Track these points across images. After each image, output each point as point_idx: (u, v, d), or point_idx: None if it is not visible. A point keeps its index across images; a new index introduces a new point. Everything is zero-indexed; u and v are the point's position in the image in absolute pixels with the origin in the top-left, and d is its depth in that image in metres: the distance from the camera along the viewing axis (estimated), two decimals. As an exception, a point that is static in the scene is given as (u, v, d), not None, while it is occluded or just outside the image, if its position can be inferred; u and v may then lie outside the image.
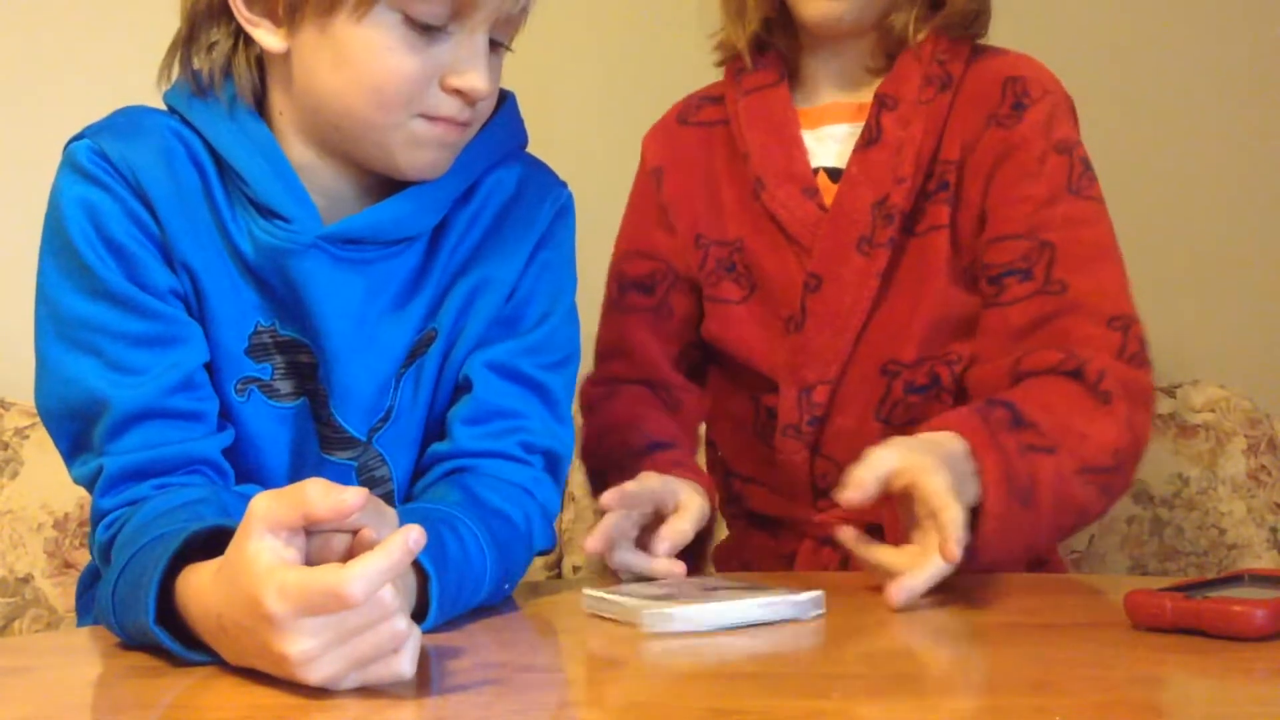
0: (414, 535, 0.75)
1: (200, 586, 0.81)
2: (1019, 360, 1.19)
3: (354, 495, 0.76)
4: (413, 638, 0.76)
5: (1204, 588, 0.90)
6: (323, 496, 0.75)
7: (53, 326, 1.00)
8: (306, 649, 0.74)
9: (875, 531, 1.17)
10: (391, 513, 0.84)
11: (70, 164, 1.01)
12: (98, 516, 0.98)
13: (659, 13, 1.90)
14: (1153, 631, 0.87)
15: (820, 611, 0.95)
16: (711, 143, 1.37)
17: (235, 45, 1.04)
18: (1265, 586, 0.90)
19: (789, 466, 1.30)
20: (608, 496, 1.10)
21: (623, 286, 1.39)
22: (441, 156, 1.04)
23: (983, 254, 1.25)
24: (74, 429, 1.00)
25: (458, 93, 1.00)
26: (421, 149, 1.02)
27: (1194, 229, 1.97)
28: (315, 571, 0.74)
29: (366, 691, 0.76)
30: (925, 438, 1.06)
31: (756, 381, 1.33)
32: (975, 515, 1.03)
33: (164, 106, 1.06)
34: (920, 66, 1.28)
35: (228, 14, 1.02)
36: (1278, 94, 1.99)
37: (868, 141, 1.28)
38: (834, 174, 1.30)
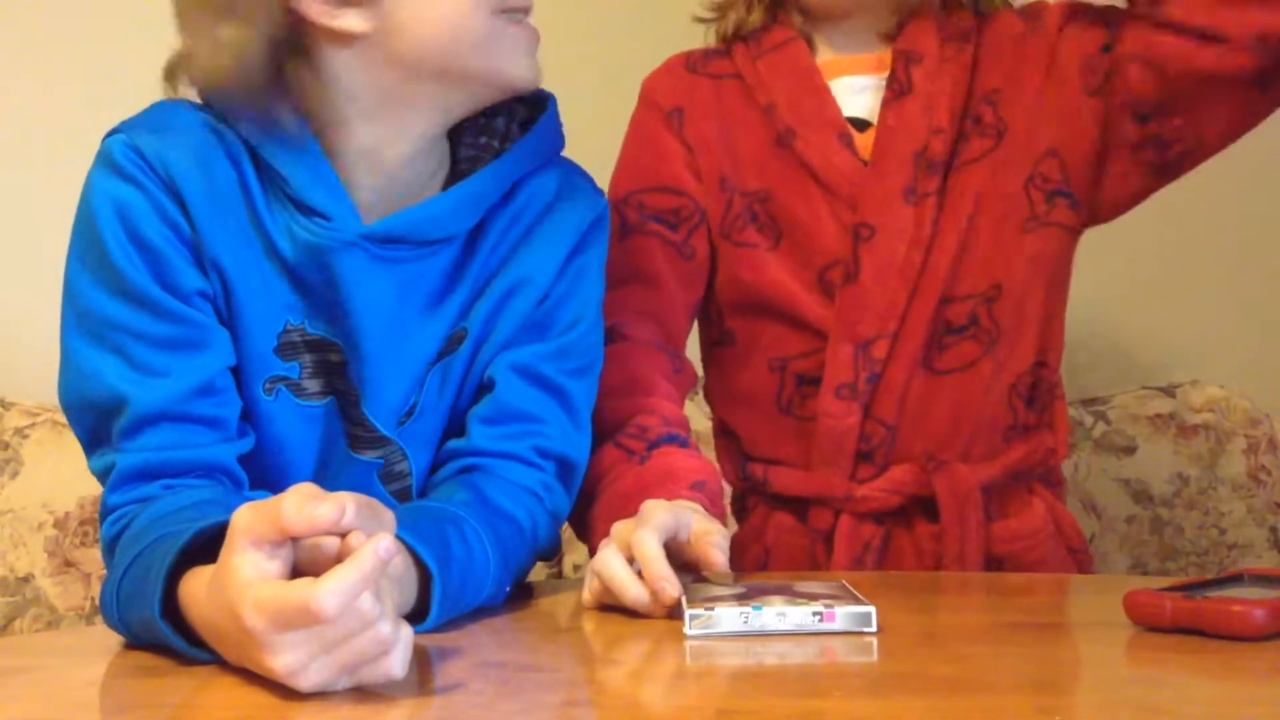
0: (384, 544, 0.74)
1: (198, 592, 0.82)
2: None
3: (329, 509, 0.75)
4: (402, 639, 0.76)
5: (1204, 587, 0.90)
6: (297, 511, 0.75)
7: (76, 320, 1.00)
8: (289, 662, 0.74)
9: (924, 504, 1.25)
10: (389, 514, 0.84)
11: (105, 159, 1.00)
12: (106, 512, 0.98)
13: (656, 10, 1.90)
14: (1153, 631, 0.87)
15: (873, 629, 0.89)
16: (723, 93, 1.34)
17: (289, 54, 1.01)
18: (1265, 586, 0.90)
19: (834, 433, 1.26)
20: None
21: (644, 215, 1.32)
22: (536, 67, 1.07)
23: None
24: (92, 423, 1.00)
25: None
26: (521, 58, 1.05)
27: (1194, 229, 1.97)
28: (289, 587, 0.74)
29: (367, 692, 0.76)
30: None
31: (785, 344, 1.30)
32: None
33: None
34: (935, 26, 1.30)
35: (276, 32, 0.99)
36: (1278, 94, 1.99)
37: (899, 93, 1.28)
38: (859, 124, 1.30)
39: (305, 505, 0.75)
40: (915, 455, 1.27)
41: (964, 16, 1.32)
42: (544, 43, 1.08)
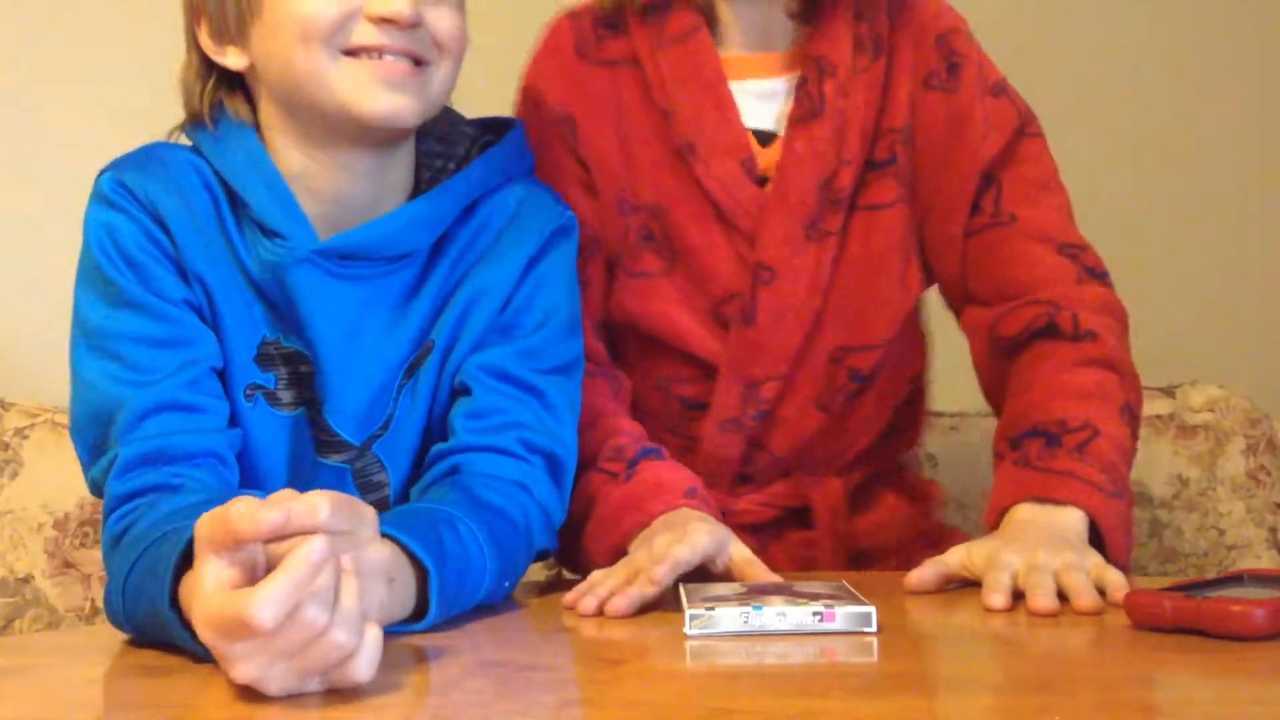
0: (315, 548, 0.73)
1: (187, 597, 0.82)
2: (995, 325, 1.22)
3: (275, 514, 0.74)
4: (366, 644, 0.75)
5: (1204, 588, 0.90)
6: (240, 517, 0.74)
7: (84, 341, 1.06)
8: (248, 672, 0.74)
9: (796, 512, 1.26)
10: (370, 512, 0.84)
11: (96, 194, 1.09)
12: (111, 503, 1.00)
13: None
14: (1153, 631, 0.87)
15: (873, 629, 0.89)
16: (619, 85, 1.24)
17: (219, 88, 1.12)
18: (1265, 586, 0.90)
19: (715, 458, 1.26)
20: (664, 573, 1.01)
21: None
22: (400, 101, 1.05)
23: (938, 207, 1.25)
24: (94, 434, 1.04)
25: (382, 20, 1.04)
26: (370, 92, 1.04)
27: (1194, 229, 1.97)
28: (231, 597, 0.74)
29: (366, 690, 0.76)
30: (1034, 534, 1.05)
31: (672, 368, 1.27)
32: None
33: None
34: (847, 19, 1.22)
35: (207, 65, 1.11)
36: (1278, 94, 1.99)
37: (810, 114, 1.21)
38: (763, 137, 1.23)
39: (250, 510, 0.74)
40: (793, 472, 1.28)
41: (877, 4, 1.24)
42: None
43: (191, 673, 0.82)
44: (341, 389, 1.10)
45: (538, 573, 1.64)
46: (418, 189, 1.13)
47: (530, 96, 1.27)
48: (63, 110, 1.89)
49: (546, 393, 1.12)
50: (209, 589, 0.75)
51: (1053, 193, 1.26)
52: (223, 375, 1.08)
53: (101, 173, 1.10)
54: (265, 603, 0.72)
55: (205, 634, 0.75)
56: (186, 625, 0.83)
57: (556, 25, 1.29)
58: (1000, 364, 1.23)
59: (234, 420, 1.08)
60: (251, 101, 1.12)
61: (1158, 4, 1.99)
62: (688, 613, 0.89)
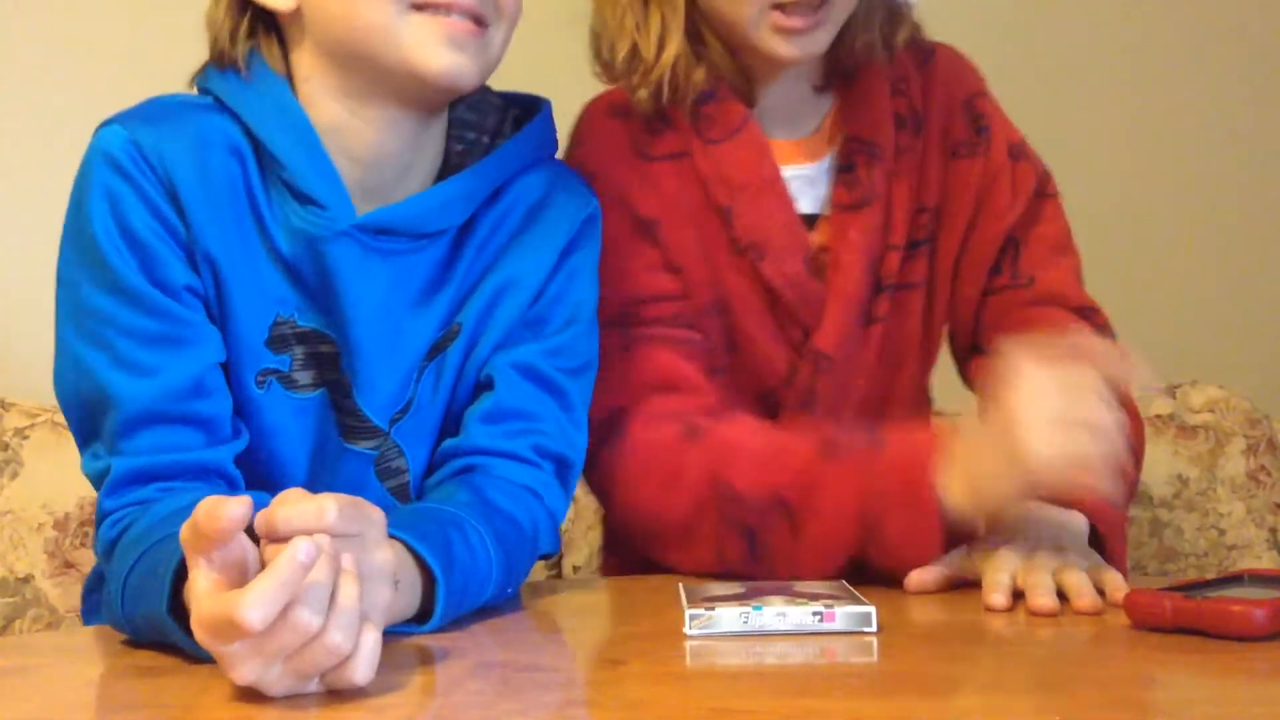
0: (302, 549, 0.73)
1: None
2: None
3: (234, 506, 0.73)
4: (364, 647, 0.75)
5: (1204, 588, 0.90)
6: (205, 516, 0.74)
7: (70, 312, 1.00)
8: (246, 674, 0.74)
9: None
10: (379, 515, 0.83)
11: (101, 151, 1.00)
12: (102, 515, 0.98)
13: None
14: (1153, 632, 0.87)
15: (873, 629, 0.89)
16: (683, 180, 1.20)
17: (252, 32, 1.05)
18: (1265, 586, 0.90)
19: None
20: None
21: (641, 321, 1.18)
22: (460, 60, 1.01)
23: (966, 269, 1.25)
24: (83, 417, 1.01)
25: None
26: (434, 49, 1.00)
27: (1194, 229, 1.97)
28: (221, 599, 0.73)
29: (366, 691, 0.76)
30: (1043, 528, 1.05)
31: None
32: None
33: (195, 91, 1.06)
34: (885, 93, 1.21)
35: (240, 5, 1.04)
36: (1278, 93, 1.99)
37: (861, 201, 1.19)
38: (806, 220, 1.21)
39: (212, 510, 0.73)
40: None
41: (908, 75, 1.23)
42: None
43: (190, 673, 0.82)
44: (372, 371, 1.05)
45: (538, 572, 1.64)
46: (447, 158, 1.10)
47: (604, 195, 1.17)
48: (62, 109, 1.89)
49: (569, 394, 1.10)
50: (200, 592, 0.75)
51: (1068, 255, 1.26)
52: (229, 363, 1.03)
53: (107, 124, 1.01)
54: (251, 605, 0.71)
55: (201, 637, 0.75)
56: (187, 629, 0.83)
57: (602, 125, 1.23)
58: None
59: (239, 410, 1.03)
60: (283, 47, 1.05)
61: (1158, 3, 1.99)
62: (688, 613, 0.89)
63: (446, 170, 1.10)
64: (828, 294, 1.20)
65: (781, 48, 1.14)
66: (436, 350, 1.08)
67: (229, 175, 1.02)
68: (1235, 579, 0.93)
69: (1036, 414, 0.94)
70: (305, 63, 1.04)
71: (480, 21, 1.02)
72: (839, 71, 1.22)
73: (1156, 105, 1.97)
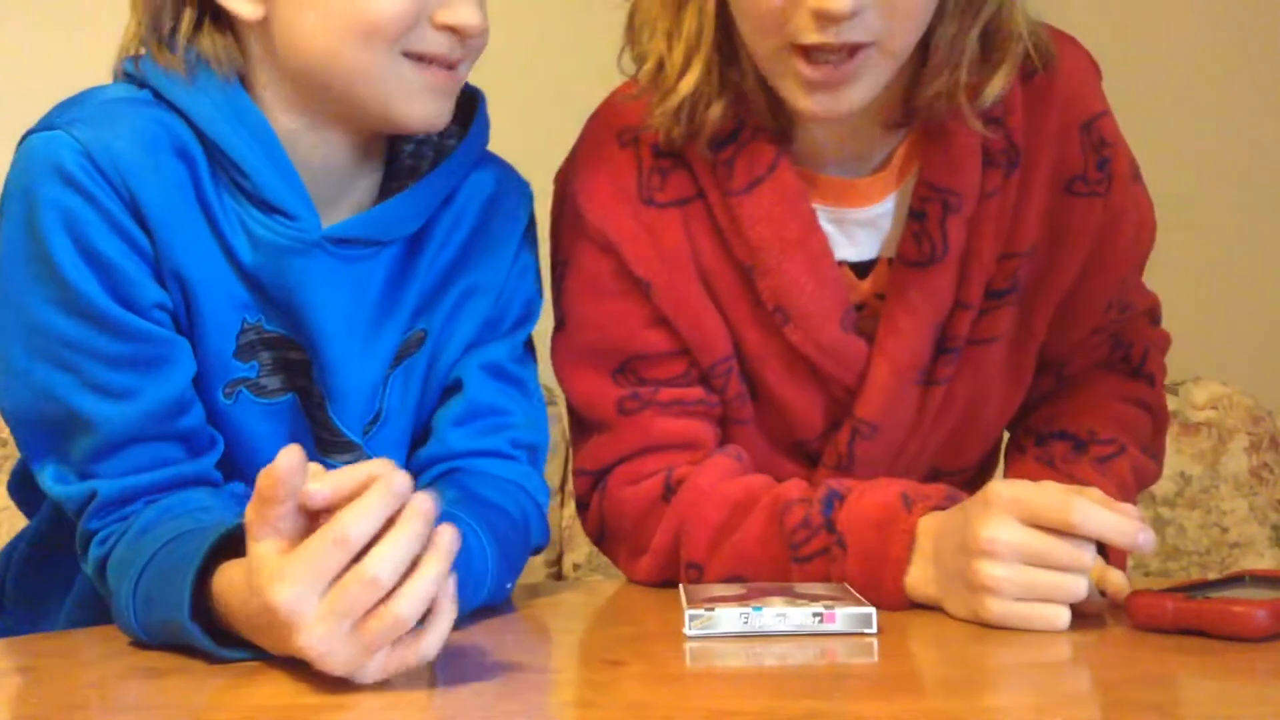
0: (425, 500, 0.75)
1: (236, 582, 0.81)
2: (1064, 364, 1.16)
3: (284, 457, 0.74)
4: (435, 623, 0.76)
5: (1205, 588, 0.90)
6: (262, 481, 0.75)
7: (20, 331, 0.94)
8: (314, 635, 0.73)
9: None
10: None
11: (47, 161, 0.91)
12: (87, 536, 0.95)
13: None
14: (1154, 632, 0.87)
15: (873, 630, 0.89)
16: (691, 226, 1.06)
17: (199, 25, 0.97)
18: (1266, 587, 0.90)
19: None
20: None
21: (643, 381, 1.09)
22: (441, 107, 1.00)
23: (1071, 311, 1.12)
24: (46, 437, 0.96)
25: (448, 29, 0.97)
26: (418, 98, 0.98)
27: (1195, 226, 1.97)
28: (318, 534, 0.74)
29: (367, 691, 0.76)
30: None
31: None
32: None
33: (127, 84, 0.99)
34: (972, 126, 1.01)
35: None
36: (1278, 93, 1.99)
37: (930, 258, 1.03)
38: (861, 268, 1.07)
39: (268, 472, 0.75)
40: None
41: (1010, 97, 1.02)
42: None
43: (191, 673, 0.82)
44: (345, 383, 1.03)
45: (537, 571, 1.64)
46: (396, 160, 1.06)
47: (595, 239, 1.07)
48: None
49: (526, 381, 1.11)
50: (270, 553, 0.75)
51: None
52: (197, 374, 0.98)
53: (44, 129, 0.92)
54: (355, 522, 0.73)
55: (282, 591, 0.74)
56: (210, 631, 0.82)
57: (608, 155, 1.08)
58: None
59: (212, 420, 1.00)
60: (239, 42, 0.98)
61: (1158, 3, 1.99)
62: (687, 613, 0.89)
63: (394, 173, 1.07)
64: (874, 354, 1.06)
65: (801, 101, 0.97)
66: (401, 357, 1.07)
67: (179, 177, 0.95)
68: (1237, 579, 0.93)
69: (1001, 570, 0.88)
70: (264, 73, 0.99)
71: (455, 65, 1.00)
72: (913, 112, 1.03)
73: (1157, 102, 1.97)
